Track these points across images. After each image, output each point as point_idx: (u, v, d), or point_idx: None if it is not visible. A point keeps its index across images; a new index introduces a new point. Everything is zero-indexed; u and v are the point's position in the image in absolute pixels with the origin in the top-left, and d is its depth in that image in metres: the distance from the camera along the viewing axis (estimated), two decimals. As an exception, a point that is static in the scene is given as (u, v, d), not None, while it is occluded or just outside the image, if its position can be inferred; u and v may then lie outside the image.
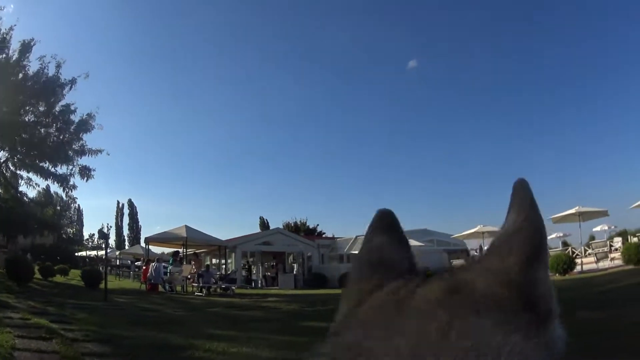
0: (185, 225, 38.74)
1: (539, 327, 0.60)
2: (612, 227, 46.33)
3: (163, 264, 33.28)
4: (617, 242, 37.17)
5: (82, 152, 33.23)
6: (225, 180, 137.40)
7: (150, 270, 31.53)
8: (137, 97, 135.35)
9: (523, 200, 0.70)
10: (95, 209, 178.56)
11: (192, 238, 38.34)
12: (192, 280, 32.17)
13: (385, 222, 0.83)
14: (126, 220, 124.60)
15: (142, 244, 49.93)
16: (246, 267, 48.18)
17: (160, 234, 39.74)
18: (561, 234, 51.15)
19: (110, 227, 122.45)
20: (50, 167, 33.07)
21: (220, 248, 44.23)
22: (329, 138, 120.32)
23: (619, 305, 13.62)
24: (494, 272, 0.63)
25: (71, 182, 33.59)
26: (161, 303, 22.62)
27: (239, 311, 20.16)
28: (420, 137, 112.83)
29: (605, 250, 35.98)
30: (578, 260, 33.48)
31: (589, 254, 37.40)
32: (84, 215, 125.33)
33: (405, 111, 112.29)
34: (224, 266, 46.39)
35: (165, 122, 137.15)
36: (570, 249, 42.21)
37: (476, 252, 47.77)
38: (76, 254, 73.24)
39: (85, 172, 33.46)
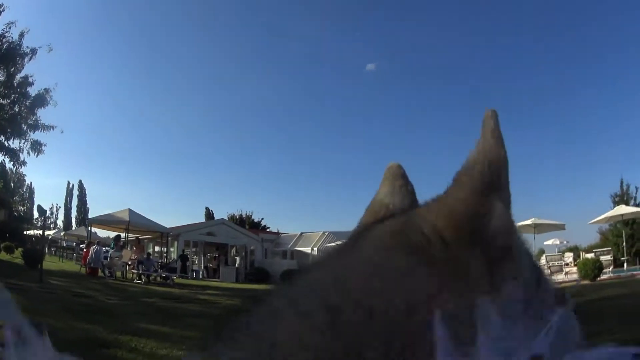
0: (129, 209, 37.45)
1: (490, 268, 0.56)
2: (565, 241, 46.35)
3: (105, 248, 31.97)
4: (568, 257, 37.52)
5: (35, 127, 31.58)
6: (174, 168, 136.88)
7: (90, 253, 30.24)
8: (93, 76, 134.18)
9: (487, 130, 0.65)
10: (48, 189, 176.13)
11: (134, 222, 37.02)
12: (132, 266, 30.93)
13: (392, 174, 0.83)
14: (75, 201, 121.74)
15: (88, 226, 47.76)
16: (182, 256, 46.21)
17: (103, 216, 38.67)
18: None
19: (59, 207, 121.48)
20: (2, 139, 31.50)
21: (163, 235, 42.51)
22: (281, 135, 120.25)
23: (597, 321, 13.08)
24: (446, 206, 0.60)
25: (22, 158, 31.96)
26: (97, 289, 21.47)
27: (176, 303, 19.16)
28: (376, 139, 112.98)
29: (561, 264, 35.87)
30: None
31: (542, 267, 36.24)
32: (35, 194, 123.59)
33: (360, 112, 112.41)
34: (166, 255, 44.66)
35: (121, 105, 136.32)
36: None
37: None
38: (25, 232, 70.81)
39: (36, 147, 31.76)
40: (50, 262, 38.75)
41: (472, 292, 0.52)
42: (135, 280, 29.47)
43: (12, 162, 32.30)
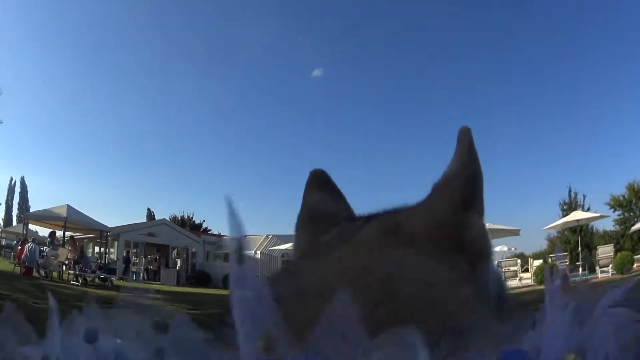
0: (67, 205, 35.08)
1: (469, 268, 0.64)
2: (513, 248, 46.12)
3: (43, 247, 30.23)
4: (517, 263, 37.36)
5: None
6: (117, 167, 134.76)
7: (25, 251, 28.45)
8: (37, 68, 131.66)
9: (463, 147, 0.74)
10: None
11: (73, 219, 34.78)
12: (69, 266, 29.18)
13: (319, 181, 0.86)
14: (17, 199, 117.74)
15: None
16: (125, 257, 44.59)
17: (39, 211, 37.11)
18: None
19: (0, 204, 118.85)
20: None
21: (102, 234, 40.38)
22: (222, 138, 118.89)
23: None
24: (430, 214, 0.68)
25: None
26: (26, 290, 19.73)
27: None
28: (322, 143, 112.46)
29: (515, 269, 35.73)
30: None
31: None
32: None
33: (305, 116, 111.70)
34: (107, 255, 42.96)
35: (66, 99, 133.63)
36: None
37: None
38: None
39: None
40: None
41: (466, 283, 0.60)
42: (72, 282, 27.70)
43: None
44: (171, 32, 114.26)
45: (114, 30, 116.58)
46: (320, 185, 0.85)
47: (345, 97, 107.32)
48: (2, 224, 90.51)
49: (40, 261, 28.69)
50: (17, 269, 28.87)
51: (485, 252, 0.68)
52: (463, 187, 0.70)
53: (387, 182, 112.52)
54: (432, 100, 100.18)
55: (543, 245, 55.32)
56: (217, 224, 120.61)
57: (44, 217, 37.32)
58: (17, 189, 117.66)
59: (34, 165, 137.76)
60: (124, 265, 41.82)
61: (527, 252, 49.16)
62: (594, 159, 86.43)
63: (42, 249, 30.24)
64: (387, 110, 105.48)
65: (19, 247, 31.48)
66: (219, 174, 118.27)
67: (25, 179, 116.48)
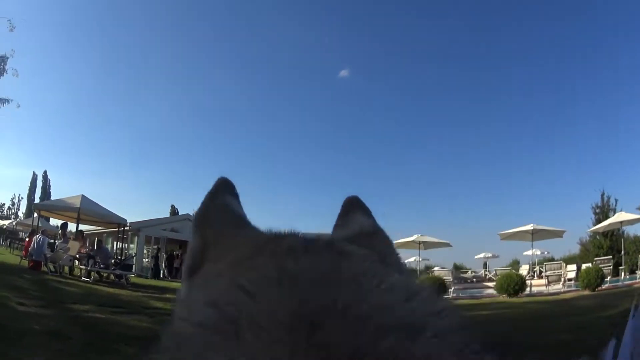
0: (82, 195, 31.37)
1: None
2: (545, 252, 43.79)
3: (53, 240, 28.00)
4: (571, 267, 33.57)
5: None
6: (143, 164, 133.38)
7: (32, 244, 25.45)
8: (63, 59, 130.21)
9: (365, 210, 0.86)
10: (14, 179, 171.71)
11: (87, 210, 31.01)
12: (83, 261, 25.78)
13: (227, 186, 0.88)
14: (39, 193, 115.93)
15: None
16: (154, 254, 42.05)
17: (51, 201, 34.41)
18: (489, 254, 49.13)
19: (22, 198, 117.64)
20: None
21: (120, 228, 36.22)
22: (250, 137, 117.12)
23: None
24: (385, 252, 0.72)
25: None
26: (24, 288, 16.81)
27: (117, 315, 14.05)
28: (349, 145, 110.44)
29: (559, 273, 33.04)
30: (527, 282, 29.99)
31: (541, 276, 34.76)
32: None
33: (332, 118, 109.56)
34: (126, 251, 40.32)
35: (91, 95, 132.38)
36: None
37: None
38: None
39: None
40: None
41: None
42: (83, 278, 24.40)
43: None
44: (198, 32, 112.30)
45: (140, 27, 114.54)
46: (230, 190, 0.85)
47: (371, 98, 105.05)
48: (22, 217, 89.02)
49: (49, 254, 25.64)
50: (24, 263, 26.16)
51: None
52: (388, 239, 0.77)
53: (408, 183, 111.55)
54: (463, 103, 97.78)
55: (573, 249, 53.01)
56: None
57: (55, 208, 34.10)
58: (39, 183, 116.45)
59: (57, 161, 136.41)
60: (153, 264, 39.69)
61: (557, 257, 46.68)
62: (626, 163, 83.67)
63: (53, 241, 27.78)
64: (413, 113, 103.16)
65: (27, 239, 28.88)
66: (245, 173, 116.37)
67: (47, 174, 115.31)
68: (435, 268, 43.62)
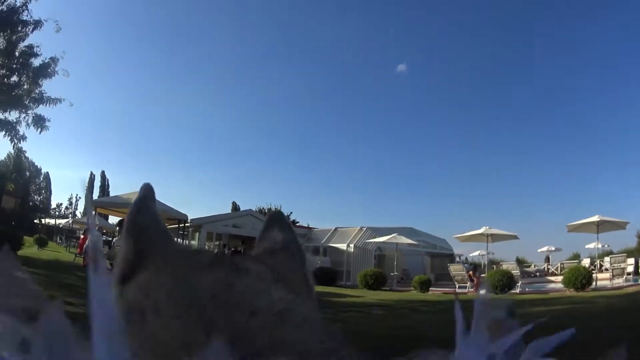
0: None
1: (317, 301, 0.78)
2: (606, 245, 41.58)
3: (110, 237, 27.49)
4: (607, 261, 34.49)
5: (40, 100, 27.04)
6: (201, 159, 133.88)
7: (87, 240, 23.61)
8: (118, 58, 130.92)
9: (283, 226, 0.91)
10: (71, 180, 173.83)
11: None
12: None
13: (151, 193, 0.89)
14: (97, 192, 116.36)
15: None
16: (220, 250, 40.05)
17: (108, 197, 32.82)
18: (552, 248, 47.69)
19: (80, 197, 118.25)
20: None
21: (181, 224, 34.80)
22: (315, 133, 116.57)
23: None
24: (291, 268, 0.80)
25: (21, 132, 26.95)
26: (75, 286, 15.45)
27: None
28: (408, 138, 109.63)
29: (624, 267, 31.39)
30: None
31: (605, 270, 33.75)
32: (59, 185, 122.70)
33: (391, 111, 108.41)
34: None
35: (147, 96, 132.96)
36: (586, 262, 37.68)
37: (459, 258, 45.76)
38: (37, 221, 68.54)
39: (39, 122, 27.00)
40: (51, 251, 35.58)
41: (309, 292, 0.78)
42: None
43: (8, 137, 27.06)
44: (254, 28, 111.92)
45: (196, 26, 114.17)
46: (152, 198, 0.86)
47: (428, 93, 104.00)
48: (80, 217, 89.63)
49: (106, 251, 23.75)
50: (79, 260, 25.17)
51: (314, 292, 0.80)
52: (302, 250, 0.86)
53: (462, 176, 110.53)
54: (527, 93, 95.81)
55: (631, 242, 52.89)
56: (305, 216, 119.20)
57: (110, 204, 32.63)
58: (97, 182, 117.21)
59: (116, 161, 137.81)
60: None
61: (615, 249, 45.83)
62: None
63: (110, 239, 27.36)
64: (475, 105, 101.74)
65: (82, 237, 28.44)
66: (305, 168, 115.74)
67: (105, 173, 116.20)
68: (502, 262, 41.70)
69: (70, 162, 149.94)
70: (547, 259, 47.55)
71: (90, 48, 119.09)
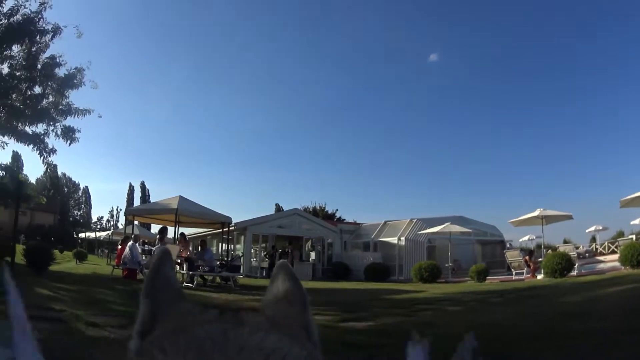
0: (180, 196, 28.20)
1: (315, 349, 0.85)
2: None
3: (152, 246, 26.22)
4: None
5: (68, 111, 25.90)
6: (239, 163, 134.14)
7: (125, 251, 23.10)
8: (153, 70, 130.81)
9: (288, 275, 0.95)
10: (111, 193, 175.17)
11: (186, 211, 27.43)
12: (182, 266, 22.99)
13: (167, 256, 0.95)
14: (137, 203, 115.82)
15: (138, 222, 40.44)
16: (269, 252, 39.79)
17: (145, 205, 31.23)
18: (600, 227, 47.41)
19: (120, 209, 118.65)
20: (25, 127, 25.83)
21: (225, 227, 31.66)
22: (354, 129, 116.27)
23: None
24: (290, 316, 0.87)
25: (50, 145, 25.68)
26: (106, 302, 13.53)
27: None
28: (445, 127, 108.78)
29: None
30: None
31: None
32: (100, 199, 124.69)
33: (427, 102, 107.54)
34: (232, 252, 38.24)
35: (182, 106, 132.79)
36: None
37: (509, 244, 44.24)
38: (77, 235, 68.89)
39: (68, 134, 25.59)
40: (90, 264, 36.68)
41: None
42: (185, 284, 21.45)
43: (37, 151, 25.79)
44: (289, 28, 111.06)
45: (233, 30, 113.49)
46: (168, 261, 0.92)
47: (460, 83, 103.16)
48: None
49: (145, 261, 23.22)
50: (118, 272, 23.69)
51: (316, 339, 0.87)
52: (305, 298, 0.90)
53: (503, 161, 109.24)
54: (558, 94, 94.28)
55: None
56: (352, 212, 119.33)
57: (148, 212, 30.89)
58: (137, 193, 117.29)
59: (155, 171, 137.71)
60: (269, 262, 37.46)
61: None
62: None
63: (151, 248, 26.04)
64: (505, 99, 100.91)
65: (119, 247, 26.28)
66: (348, 163, 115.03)
67: (145, 184, 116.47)
68: (560, 245, 42.24)
69: (110, 175, 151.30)
70: (594, 239, 47.48)
71: (120, 55, 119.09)
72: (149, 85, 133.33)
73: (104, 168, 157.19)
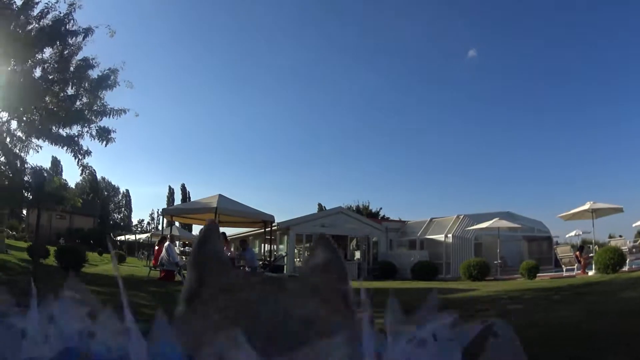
0: (219, 194, 27.00)
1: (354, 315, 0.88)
2: None
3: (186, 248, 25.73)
4: None
5: (102, 112, 25.49)
6: (281, 163, 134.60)
7: (162, 252, 22.03)
8: (191, 73, 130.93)
9: (327, 245, 0.97)
10: (152, 196, 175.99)
11: (226, 210, 26.10)
12: None
13: (215, 230, 1.01)
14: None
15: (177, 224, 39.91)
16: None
17: (183, 204, 30.05)
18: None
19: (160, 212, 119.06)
20: (59, 129, 25.35)
21: (267, 227, 30.36)
22: (394, 127, 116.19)
23: None
24: (329, 284, 0.90)
25: (84, 147, 25.26)
26: (138, 305, 11.88)
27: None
28: (485, 124, 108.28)
29: None
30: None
31: None
32: (141, 202, 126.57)
33: (466, 98, 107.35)
34: (275, 252, 36.66)
35: (220, 107, 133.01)
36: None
37: (557, 242, 43.40)
38: (115, 237, 69.36)
39: (104, 134, 25.12)
40: (128, 266, 37.53)
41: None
42: None
43: (72, 153, 25.41)
44: (331, 30, 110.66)
45: (268, 28, 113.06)
46: (216, 234, 0.98)
47: (500, 78, 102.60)
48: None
49: (183, 262, 22.22)
50: (155, 273, 23.00)
51: (353, 304, 0.89)
52: (343, 267, 0.94)
53: (546, 155, 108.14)
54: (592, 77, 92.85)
55: None
56: (396, 210, 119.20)
57: (187, 211, 29.58)
58: (178, 196, 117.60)
59: (197, 172, 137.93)
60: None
61: None
62: None
63: (189, 250, 25.03)
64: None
65: (156, 248, 24.84)
66: (387, 161, 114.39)
67: (186, 186, 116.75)
68: (611, 239, 40.56)
69: (150, 178, 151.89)
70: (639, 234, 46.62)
71: (160, 57, 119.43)
72: (188, 86, 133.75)
73: (145, 171, 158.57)
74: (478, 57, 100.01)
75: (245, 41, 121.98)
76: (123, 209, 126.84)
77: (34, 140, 25.20)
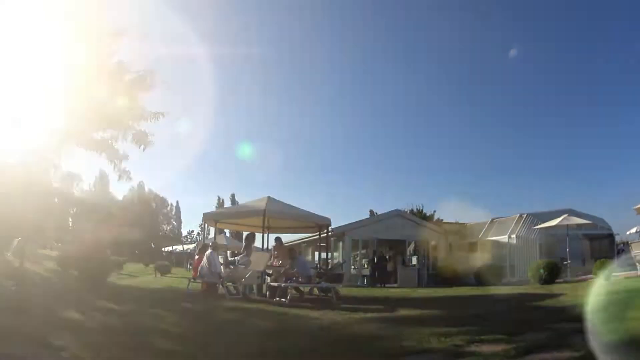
0: (268, 197, 23.76)
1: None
2: None
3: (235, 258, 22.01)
4: None
5: (140, 116, 24.78)
6: (329, 171, 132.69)
7: (203, 262, 19.20)
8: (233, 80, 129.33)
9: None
10: (203, 207, 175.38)
11: (276, 213, 23.16)
12: (274, 278, 19.40)
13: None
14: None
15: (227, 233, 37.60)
16: (372, 258, 36.82)
17: (227, 207, 27.84)
18: None
19: None
20: (93, 133, 24.89)
21: (322, 232, 26.13)
22: (441, 130, 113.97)
23: None
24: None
25: (120, 151, 24.86)
26: (162, 331, 9.79)
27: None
28: (535, 120, 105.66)
29: None
30: None
31: None
32: (183, 213, 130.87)
33: (509, 97, 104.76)
34: (330, 259, 32.41)
35: (269, 112, 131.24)
36: None
37: (625, 241, 42.16)
38: (164, 248, 72.28)
39: (142, 139, 24.36)
40: (171, 277, 36.63)
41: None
42: (277, 299, 17.51)
43: (106, 157, 25.02)
44: (372, 31, 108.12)
45: (312, 35, 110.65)
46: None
47: (546, 73, 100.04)
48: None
49: (227, 272, 19.56)
50: (195, 286, 20.28)
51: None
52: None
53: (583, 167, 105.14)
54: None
55: None
56: (452, 212, 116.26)
57: (231, 215, 27.55)
58: (227, 204, 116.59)
59: (245, 182, 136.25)
60: (370, 270, 35.56)
61: None
62: None
63: (233, 259, 22.34)
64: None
65: (196, 257, 22.27)
66: (440, 163, 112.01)
67: (235, 196, 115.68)
68: None
69: (200, 190, 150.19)
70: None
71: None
72: (233, 96, 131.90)
73: (194, 182, 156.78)
74: (519, 56, 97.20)
75: (291, 42, 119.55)
76: (172, 219, 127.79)
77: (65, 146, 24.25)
